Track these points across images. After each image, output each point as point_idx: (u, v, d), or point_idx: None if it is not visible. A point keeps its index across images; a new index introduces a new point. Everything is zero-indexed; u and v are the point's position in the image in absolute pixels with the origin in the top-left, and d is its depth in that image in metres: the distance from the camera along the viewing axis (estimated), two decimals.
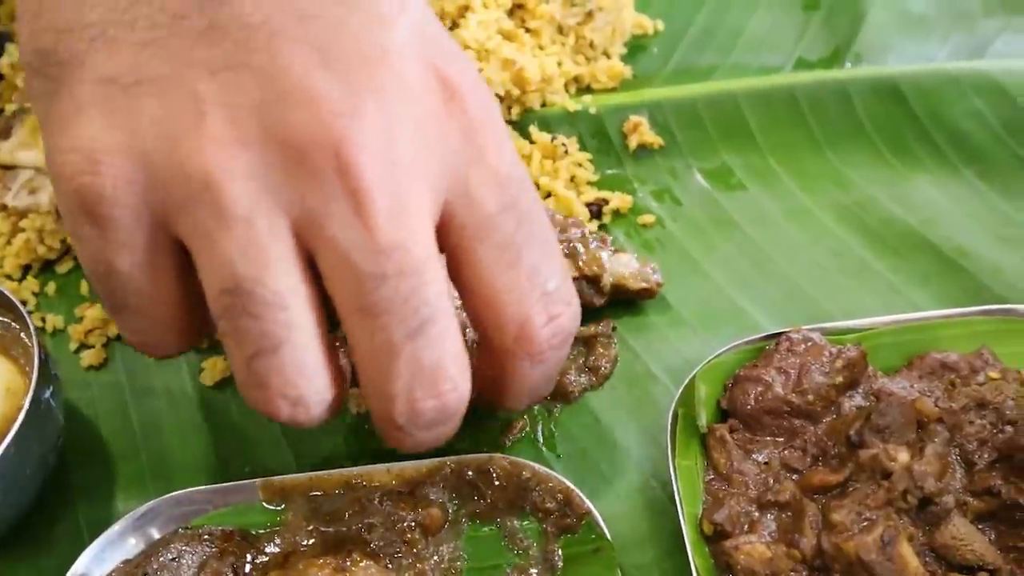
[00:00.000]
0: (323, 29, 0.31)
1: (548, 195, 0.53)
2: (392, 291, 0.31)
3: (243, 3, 0.30)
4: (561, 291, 0.36)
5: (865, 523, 0.38)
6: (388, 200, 0.31)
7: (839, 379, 0.42)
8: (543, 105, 0.57)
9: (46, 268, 0.51)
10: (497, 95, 0.55)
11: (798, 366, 0.43)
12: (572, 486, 0.40)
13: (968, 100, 0.56)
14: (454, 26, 0.57)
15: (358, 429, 0.45)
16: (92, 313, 0.49)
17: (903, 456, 0.39)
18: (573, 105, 0.57)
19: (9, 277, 0.50)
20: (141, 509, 0.39)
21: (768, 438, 0.42)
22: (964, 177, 0.54)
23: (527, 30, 0.58)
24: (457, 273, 0.35)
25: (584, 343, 0.48)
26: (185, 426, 0.46)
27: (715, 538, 0.39)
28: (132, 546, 0.39)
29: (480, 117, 0.34)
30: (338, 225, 0.31)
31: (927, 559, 0.37)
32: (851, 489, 0.39)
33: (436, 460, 0.41)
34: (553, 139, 0.55)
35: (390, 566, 0.40)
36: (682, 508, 0.40)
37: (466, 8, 0.57)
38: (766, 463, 0.42)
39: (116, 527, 0.39)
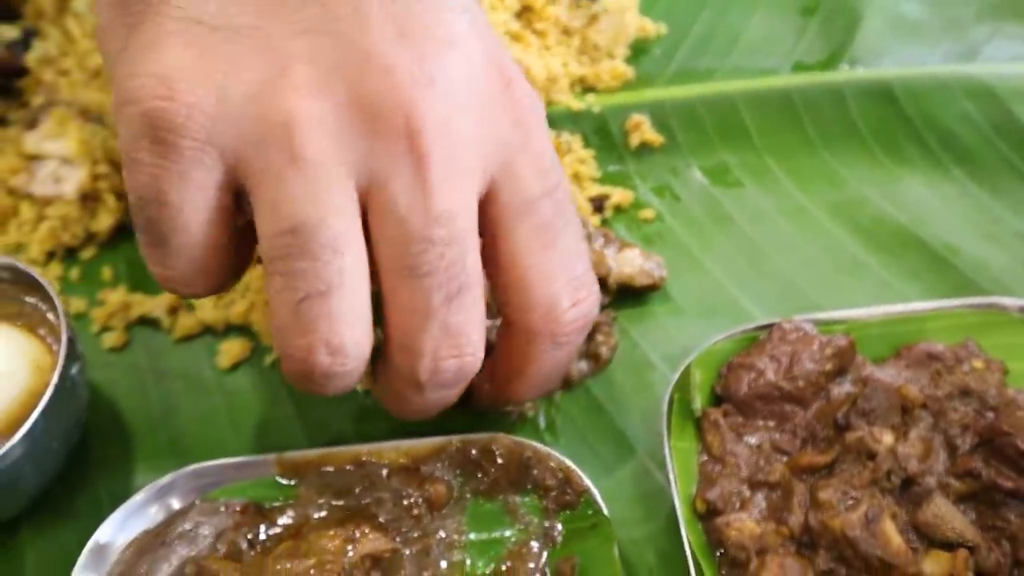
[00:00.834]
0: (402, 9, 0.34)
1: None
2: (438, 256, 0.33)
3: None
4: (586, 277, 0.38)
5: (851, 502, 0.40)
6: (445, 169, 0.33)
7: (828, 366, 0.44)
8: (548, 104, 0.59)
9: (70, 255, 0.53)
10: None
11: (789, 354, 0.45)
12: (572, 465, 0.42)
13: (959, 103, 0.58)
14: None
15: (366, 409, 0.47)
16: (113, 297, 0.51)
17: (887, 438, 0.41)
18: (577, 104, 0.59)
19: (34, 262, 0.52)
20: (162, 480, 0.41)
21: (760, 422, 0.44)
22: (954, 177, 0.56)
23: (534, 31, 0.61)
24: (493, 250, 0.37)
25: None
26: (201, 406, 0.48)
27: (708, 515, 0.41)
28: (153, 515, 0.41)
29: (530, 109, 0.37)
30: (399, 185, 0.33)
31: (909, 536, 0.39)
32: (838, 470, 0.41)
33: (442, 439, 0.43)
34: (558, 137, 0.57)
35: (397, 539, 0.41)
36: (677, 487, 0.41)
37: None
38: (758, 446, 0.43)
39: (139, 496, 0.41)
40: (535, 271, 0.37)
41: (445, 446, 0.43)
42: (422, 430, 0.45)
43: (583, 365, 0.49)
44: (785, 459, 0.43)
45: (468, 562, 0.41)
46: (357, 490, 0.43)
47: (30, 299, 0.45)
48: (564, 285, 0.37)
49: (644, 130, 0.57)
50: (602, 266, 0.49)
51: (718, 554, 0.40)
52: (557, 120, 0.59)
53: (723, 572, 0.40)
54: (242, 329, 0.50)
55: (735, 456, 0.43)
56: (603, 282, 0.49)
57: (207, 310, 0.50)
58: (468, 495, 0.43)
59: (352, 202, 0.33)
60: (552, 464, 0.43)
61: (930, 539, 0.39)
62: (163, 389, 0.48)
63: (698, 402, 0.44)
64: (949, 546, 0.39)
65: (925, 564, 0.38)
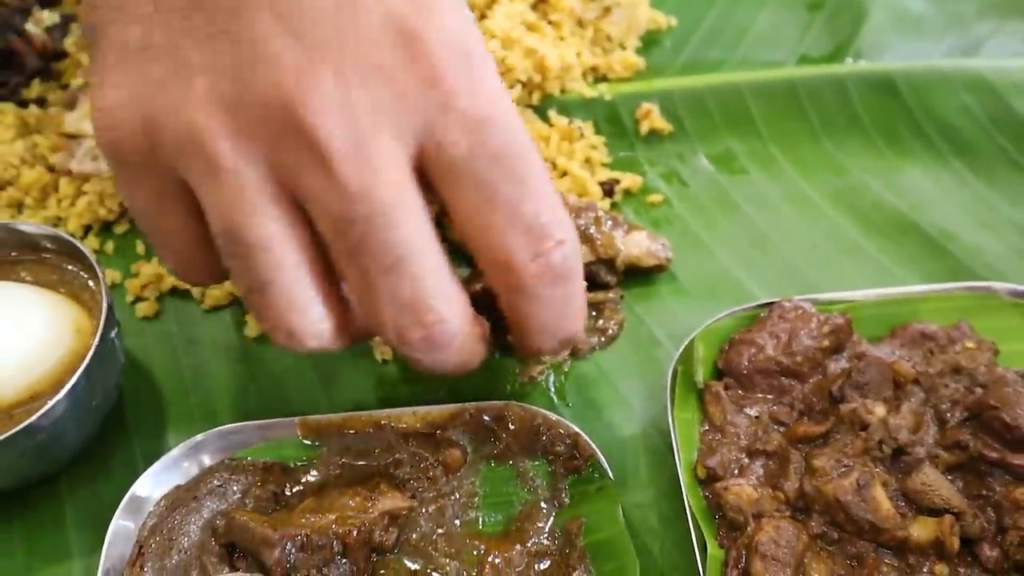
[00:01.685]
0: None
1: (564, 174, 0.57)
2: (362, 233, 0.34)
3: None
4: (549, 227, 0.36)
5: (843, 469, 0.42)
6: (349, 150, 0.33)
7: (825, 343, 0.46)
8: (562, 92, 0.61)
9: (106, 228, 0.56)
10: (519, 81, 0.59)
11: (788, 331, 0.47)
12: (579, 431, 0.44)
13: (959, 96, 0.60)
14: (482, 17, 0.61)
15: (387, 378, 0.50)
16: (147, 270, 0.53)
17: (880, 410, 0.43)
18: (590, 92, 0.61)
19: (72, 235, 0.55)
20: (195, 439, 0.44)
21: (759, 395, 0.46)
22: (953, 168, 0.58)
23: (549, 22, 0.63)
24: (447, 213, 0.37)
25: (594, 308, 0.52)
26: (230, 373, 0.50)
27: (708, 481, 0.43)
28: (185, 470, 0.44)
29: (447, 63, 0.34)
30: (306, 175, 0.34)
31: (899, 503, 0.41)
32: (832, 439, 0.43)
33: (457, 406, 0.46)
34: (570, 123, 0.60)
35: (414, 499, 0.44)
36: (679, 454, 0.44)
37: (493, 1, 0.62)
38: (756, 417, 0.46)
39: (173, 452, 0.43)
40: (481, 229, 0.36)
41: (460, 413, 0.46)
42: (439, 398, 0.47)
43: (592, 339, 0.51)
44: (782, 430, 0.45)
45: (481, 521, 0.43)
46: (376, 452, 0.45)
47: (71, 267, 0.48)
48: (516, 239, 0.36)
49: (653, 118, 0.60)
50: (611, 247, 0.51)
51: (717, 517, 0.42)
52: (570, 107, 0.61)
53: (721, 533, 0.42)
54: None
55: (735, 426, 0.45)
56: (611, 263, 0.52)
57: None
58: (481, 459, 0.45)
59: (274, 199, 0.35)
60: (561, 431, 0.45)
61: (918, 506, 0.41)
62: (194, 356, 0.51)
63: (700, 374, 0.46)
64: (936, 512, 0.41)
65: (913, 528, 0.40)
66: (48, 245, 0.47)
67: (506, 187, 0.35)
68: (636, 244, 0.52)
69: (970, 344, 0.47)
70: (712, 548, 0.41)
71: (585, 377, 0.49)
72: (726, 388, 0.46)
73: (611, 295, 0.52)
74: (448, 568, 0.41)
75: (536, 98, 0.61)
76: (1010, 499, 0.40)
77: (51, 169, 0.56)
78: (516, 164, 0.36)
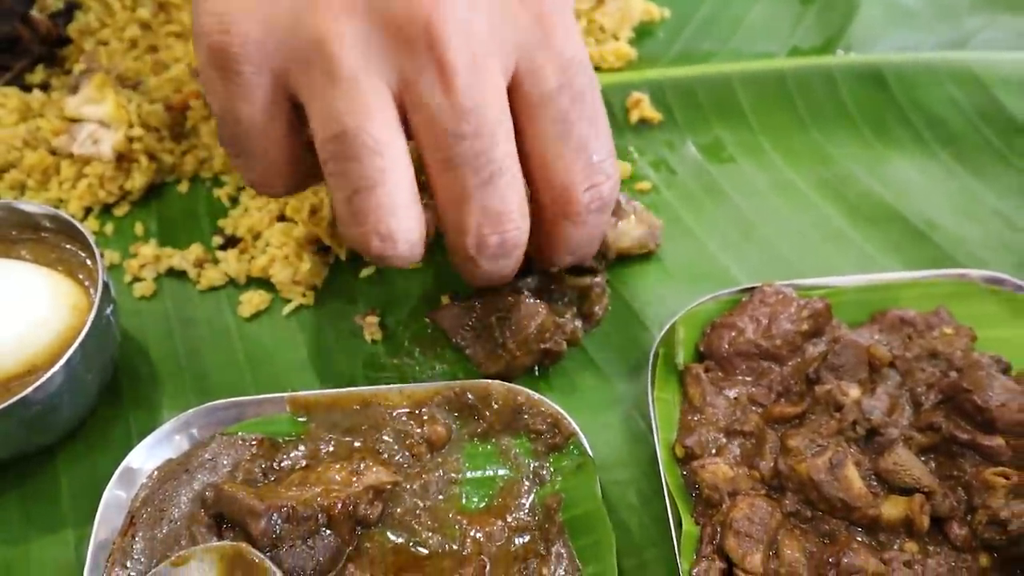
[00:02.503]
0: None
1: None
2: (468, 148, 0.38)
3: None
4: (604, 164, 0.42)
5: (817, 449, 0.43)
6: (467, 70, 0.37)
7: (804, 327, 0.47)
8: None
9: (105, 210, 0.57)
10: None
11: (768, 315, 0.48)
12: (560, 410, 0.45)
13: (946, 88, 0.61)
14: None
15: (376, 358, 0.51)
16: (145, 251, 0.55)
17: (854, 392, 0.44)
18: None
19: (73, 217, 0.56)
20: (187, 413, 0.45)
21: (739, 377, 0.47)
22: (939, 158, 0.59)
23: None
24: (518, 137, 0.41)
25: (580, 293, 0.53)
26: (223, 351, 0.51)
27: (686, 460, 0.44)
28: (177, 443, 0.45)
29: (552, 5, 0.40)
30: (426, 89, 0.37)
31: (872, 482, 0.42)
32: (807, 420, 0.44)
33: (442, 384, 0.47)
34: None
35: (399, 474, 0.45)
36: (658, 434, 0.45)
37: None
38: (735, 398, 0.46)
39: (166, 426, 0.45)
40: (554, 159, 0.41)
41: (444, 391, 0.47)
42: (426, 379, 0.49)
43: (578, 323, 0.52)
44: (760, 411, 0.46)
45: (464, 497, 0.44)
46: (363, 428, 0.46)
47: (70, 247, 0.49)
48: (579, 172, 0.41)
49: (644, 107, 0.60)
50: (603, 243, 0.52)
51: (693, 495, 0.43)
52: None
53: (698, 511, 0.43)
54: (262, 282, 0.54)
55: (714, 407, 0.46)
56: (603, 255, 0.53)
57: (231, 263, 0.54)
58: (465, 436, 0.46)
59: (388, 107, 0.38)
60: (543, 409, 0.46)
61: (890, 485, 0.42)
62: (188, 335, 0.52)
63: (681, 356, 0.47)
64: (908, 492, 0.41)
65: (884, 507, 0.41)
66: (47, 224, 0.49)
67: (581, 124, 0.41)
68: (626, 235, 0.53)
69: (948, 330, 0.48)
70: (687, 524, 0.42)
71: (570, 358, 0.50)
72: (707, 370, 0.47)
73: (597, 280, 0.53)
74: (431, 542, 0.43)
75: None
76: (980, 479, 0.41)
77: (53, 152, 0.57)
78: (592, 106, 0.41)
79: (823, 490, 0.41)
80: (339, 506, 0.42)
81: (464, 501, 0.44)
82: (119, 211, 0.57)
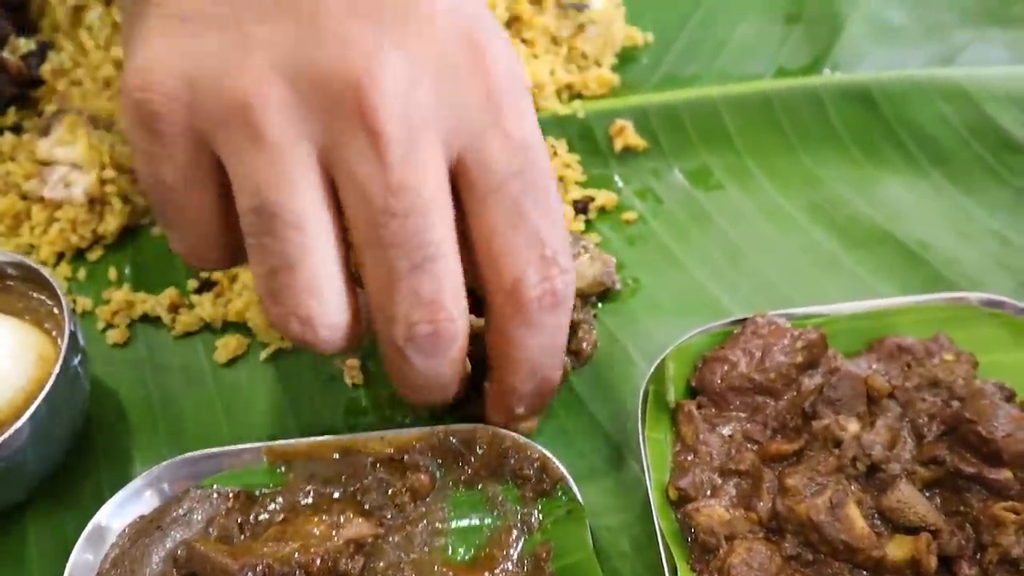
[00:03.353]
0: None
1: None
2: (399, 227, 0.34)
3: None
4: (558, 257, 0.38)
5: (816, 488, 0.41)
6: (403, 142, 0.34)
7: (799, 359, 0.46)
8: (535, 110, 0.61)
9: (78, 256, 0.56)
10: None
11: (762, 347, 0.46)
12: (548, 454, 0.44)
13: (935, 106, 0.60)
14: None
15: (356, 403, 0.49)
16: (117, 296, 0.53)
17: (853, 426, 0.42)
18: (563, 110, 0.61)
19: (44, 263, 0.55)
20: (159, 467, 0.43)
21: (732, 413, 0.45)
22: (930, 177, 0.57)
23: (523, 40, 0.63)
24: (464, 226, 0.38)
25: (569, 328, 0.51)
26: (199, 399, 0.50)
27: (680, 503, 0.42)
28: (148, 499, 0.43)
29: (504, 83, 0.36)
30: (356, 159, 0.34)
31: (875, 521, 0.40)
32: (805, 457, 0.43)
33: (425, 429, 0.45)
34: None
35: (381, 526, 0.43)
36: (650, 476, 0.43)
37: None
38: (729, 435, 0.45)
39: (137, 481, 0.43)
40: (501, 250, 0.37)
41: (428, 436, 0.45)
42: (408, 423, 0.47)
43: (566, 360, 0.50)
44: (755, 448, 0.44)
45: (449, 548, 0.42)
46: (343, 478, 0.44)
47: (37, 295, 0.47)
48: (530, 264, 0.37)
49: (628, 135, 0.59)
50: None
51: (689, 540, 0.41)
52: (544, 125, 0.59)
53: (694, 557, 0.41)
54: (239, 326, 0.52)
55: (707, 446, 0.44)
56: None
57: (206, 307, 0.52)
58: (450, 484, 0.45)
59: (314, 179, 0.35)
60: (529, 453, 0.44)
61: (895, 524, 0.40)
62: (163, 382, 0.50)
63: (672, 394, 0.46)
64: (913, 530, 0.40)
65: (889, 548, 0.39)
66: (12, 272, 0.47)
67: (533, 213, 0.37)
68: (580, 276, 0.50)
69: (948, 356, 0.46)
70: (683, 572, 0.40)
71: (557, 398, 0.48)
72: (699, 407, 0.45)
73: (584, 315, 0.51)
74: None
75: None
76: (988, 515, 0.39)
77: (24, 197, 0.56)
78: (544, 193, 0.38)
79: (824, 531, 0.39)
80: (318, 562, 0.40)
81: (450, 552, 0.42)
82: (92, 255, 0.56)
